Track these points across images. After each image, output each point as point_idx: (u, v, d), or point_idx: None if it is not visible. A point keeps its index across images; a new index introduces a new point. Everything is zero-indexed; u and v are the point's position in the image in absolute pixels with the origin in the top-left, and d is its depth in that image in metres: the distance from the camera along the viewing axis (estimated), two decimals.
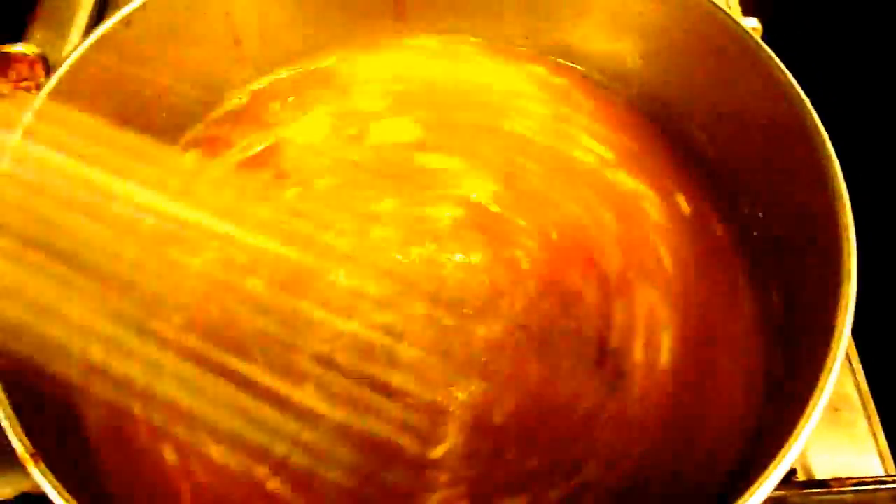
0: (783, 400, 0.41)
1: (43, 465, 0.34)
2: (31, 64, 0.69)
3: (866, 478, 0.49)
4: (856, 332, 0.56)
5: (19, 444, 0.35)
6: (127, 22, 0.48)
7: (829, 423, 0.54)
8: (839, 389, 0.55)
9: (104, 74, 0.48)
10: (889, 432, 0.53)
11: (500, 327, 0.47)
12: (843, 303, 0.37)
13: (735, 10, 0.74)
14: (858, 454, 0.53)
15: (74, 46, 0.49)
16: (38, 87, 0.68)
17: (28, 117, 0.48)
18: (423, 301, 0.48)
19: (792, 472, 0.51)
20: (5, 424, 0.35)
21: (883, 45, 0.77)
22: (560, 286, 0.49)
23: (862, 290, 0.57)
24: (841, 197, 0.39)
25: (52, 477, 0.34)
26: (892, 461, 0.52)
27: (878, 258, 0.63)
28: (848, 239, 0.38)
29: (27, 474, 0.45)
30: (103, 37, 0.48)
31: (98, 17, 0.75)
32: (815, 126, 0.41)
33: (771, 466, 0.34)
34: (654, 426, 0.45)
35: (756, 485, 0.34)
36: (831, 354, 0.36)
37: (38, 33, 0.73)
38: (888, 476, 0.50)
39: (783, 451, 0.34)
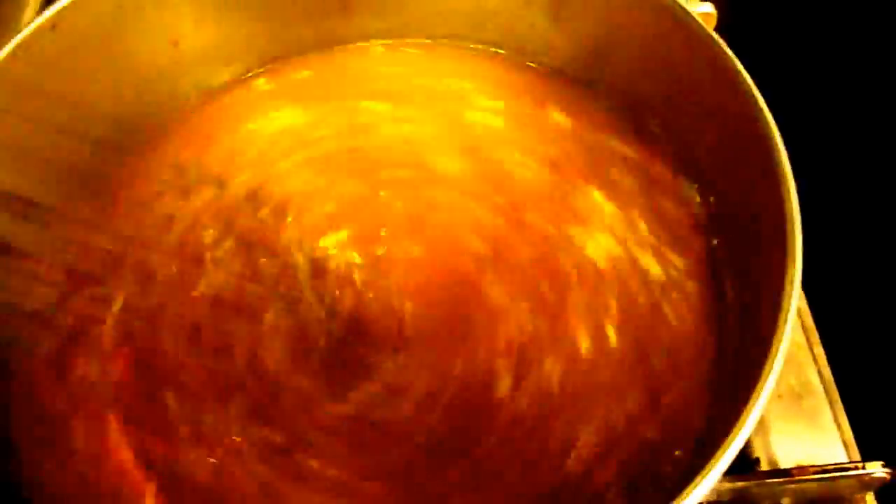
0: (734, 386, 0.40)
1: None
2: None
3: (828, 465, 0.48)
4: (818, 320, 0.56)
5: None
6: (53, 25, 0.46)
7: (793, 412, 0.53)
8: (802, 377, 0.55)
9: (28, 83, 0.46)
10: (853, 419, 0.53)
11: None
12: (788, 285, 0.36)
13: None
14: (823, 442, 0.52)
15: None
16: None
17: None
18: None
19: (755, 461, 0.51)
20: None
21: (840, 30, 0.77)
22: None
23: (824, 279, 0.58)
24: (786, 181, 0.39)
25: None
26: (856, 449, 0.52)
27: (841, 249, 0.63)
28: (793, 222, 0.38)
29: None
30: (25, 41, 0.45)
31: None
32: (763, 113, 0.41)
33: (716, 455, 0.33)
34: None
35: (701, 474, 0.33)
36: (779, 330, 0.35)
37: None
38: (850, 462, 0.50)
39: (728, 440, 0.33)
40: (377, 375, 0.46)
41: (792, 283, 0.36)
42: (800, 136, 0.45)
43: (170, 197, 0.52)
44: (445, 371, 0.45)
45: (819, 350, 0.55)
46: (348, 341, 0.47)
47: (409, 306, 0.48)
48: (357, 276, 0.49)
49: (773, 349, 0.35)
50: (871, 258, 0.65)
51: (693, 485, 0.33)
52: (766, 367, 0.35)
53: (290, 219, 0.51)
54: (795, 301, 0.36)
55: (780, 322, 0.35)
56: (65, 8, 0.46)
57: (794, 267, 0.37)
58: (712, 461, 0.33)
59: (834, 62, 0.76)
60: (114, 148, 0.53)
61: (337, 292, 0.48)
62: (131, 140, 0.54)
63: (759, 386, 0.34)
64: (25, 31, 0.45)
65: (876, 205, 0.68)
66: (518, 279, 0.49)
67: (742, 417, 0.34)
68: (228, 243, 0.50)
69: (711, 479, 0.33)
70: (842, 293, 0.61)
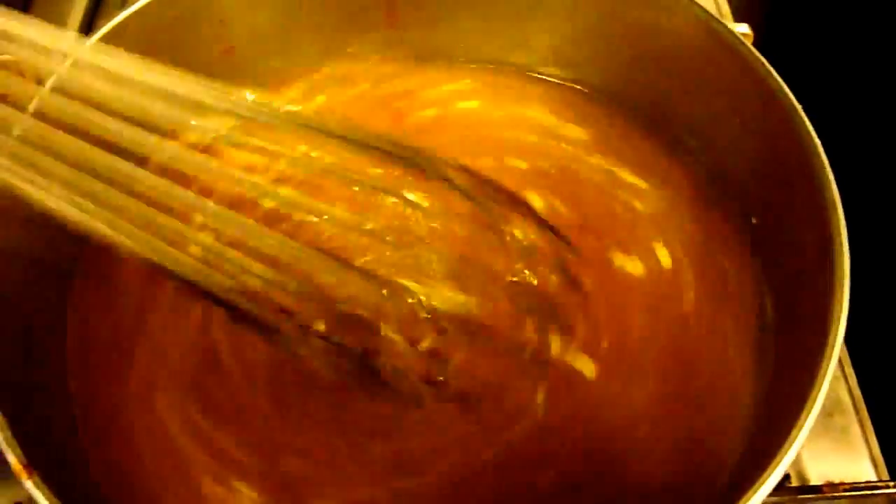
0: (776, 408, 0.41)
1: (37, 478, 0.34)
2: (20, 72, 0.69)
3: (859, 483, 0.49)
4: (848, 338, 0.56)
5: (12, 456, 0.34)
6: (117, 33, 0.48)
7: (823, 429, 0.54)
8: (832, 395, 0.55)
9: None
10: (882, 437, 0.53)
11: None
12: (836, 310, 0.37)
13: (727, 17, 0.74)
14: (852, 459, 0.53)
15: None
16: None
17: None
18: None
19: (786, 477, 0.52)
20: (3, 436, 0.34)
21: (874, 50, 0.77)
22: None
23: (855, 296, 0.58)
24: (834, 205, 0.39)
25: (45, 489, 0.33)
26: (884, 466, 0.52)
27: (869, 264, 0.63)
28: (841, 245, 0.38)
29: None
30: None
31: (89, 25, 0.75)
32: (809, 133, 0.41)
33: (762, 478, 0.34)
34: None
35: (748, 495, 0.34)
36: (824, 362, 0.36)
37: None
38: (881, 481, 0.51)
39: (774, 461, 0.34)
40: None
41: (839, 320, 0.37)
42: (839, 157, 0.46)
43: None
44: None
45: (849, 369, 0.56)
46: None
47: None
48: None
49: (818, 381, 0.35)
50: None
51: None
52: (812, 395, 0.35)
53: None
54: (842, 333, 0.37)
55: (827, 350, 0.36)
56: (128, 17, 0.48)
57: (842, 303, 0.37)
58: (755, 485, 0.34)
59: (868, 79, 0.76)
60: None
61: None
62: None
63: (804, 412, 0.35)
64: (92, 38, 0.47)
65: None
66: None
67: (787, 442, 0.35)
68: None
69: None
70: (873, 311, 0.61)
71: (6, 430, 0.35)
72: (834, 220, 0.39)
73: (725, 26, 0.48)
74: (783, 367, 0.43)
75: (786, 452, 0.35)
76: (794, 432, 0.35)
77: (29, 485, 0.34)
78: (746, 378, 0.46)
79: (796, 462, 0.52)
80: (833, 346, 0.36)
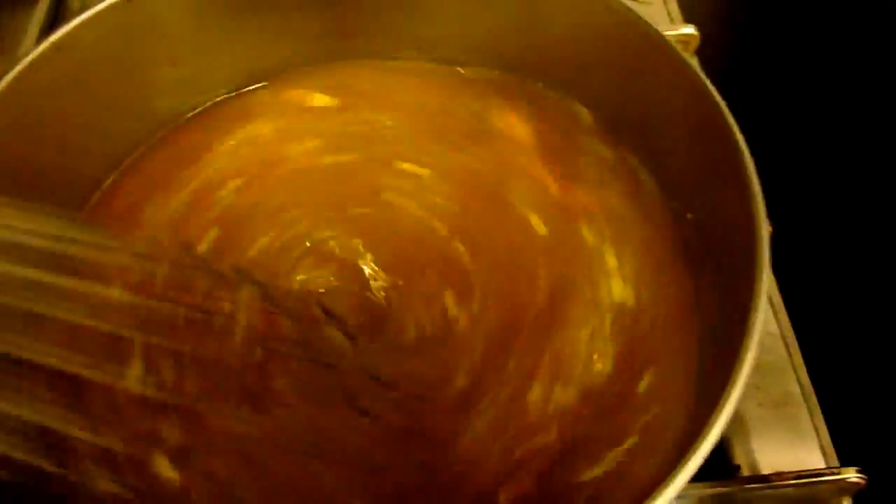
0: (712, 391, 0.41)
1: None
2: None
3: (805, 471, 0.50)
4: (798, 330, 0.58)
5: None
6: (58, 47, 0.48)
7: (774, 421, 0.55)
8: (782, 388, 0.56)
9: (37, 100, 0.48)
10: (831, 427, 0.54)
11: None
12: (757, 293, 0.38)
13: (676, 17, 0.75)
14: (802, 450, 0.53)
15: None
16: None
17: None
18: None
19: (737, 467, 0.52)
20: None
21: (818, 52, 0.79)
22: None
23: (803, 291, 0.60)
24: (755, 194, 0.41)
25: None
26: (834, 455, 0.53)
27: (822, 261, 0.65)
28: (761, 237, 0.39)
29: None
30: (33, 62, 0.47)
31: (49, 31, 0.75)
32: (730, 126, 0.43)
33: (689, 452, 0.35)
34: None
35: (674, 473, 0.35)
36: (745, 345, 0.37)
37: None
38: (827, 468, 0.51)
39: (701, 436, 0.35)
40: None
41: (760, 284, 0.38)
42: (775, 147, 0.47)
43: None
44: None
45: (799, 360, 0.57)
46: None
47: None
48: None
49: (745, 348, 0.37)
50: (849, 269, 0.66)
51: (666, 482, 0.34)
52: (738, 366, 0.37)
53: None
54: (762, 310, 0.38)
55: (750, 324, 0.37)
56: (70, 30, 0.48)
57: (763, 267, 0.38)
58: (684, 460, 0.35)
59: (809, 80, 0.78)
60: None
61: None
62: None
63: (731, 382, 0.36)
64: (33, 53, 0.47)
65: (852, 216, 0.69)
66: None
67: (714, 414, 0.36)
68: None
69: (682, 479, 0.34)
70: (821, 305, 0.63)
71: None
72: (756, 210, 0.40)
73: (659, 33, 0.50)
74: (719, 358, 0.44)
75: (711, 427, 0.35)
76: (721, 401, 0.36)
77: None
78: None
79: (747, 454, 0.53)
80: (751, 337, 0.37)
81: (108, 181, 0.55)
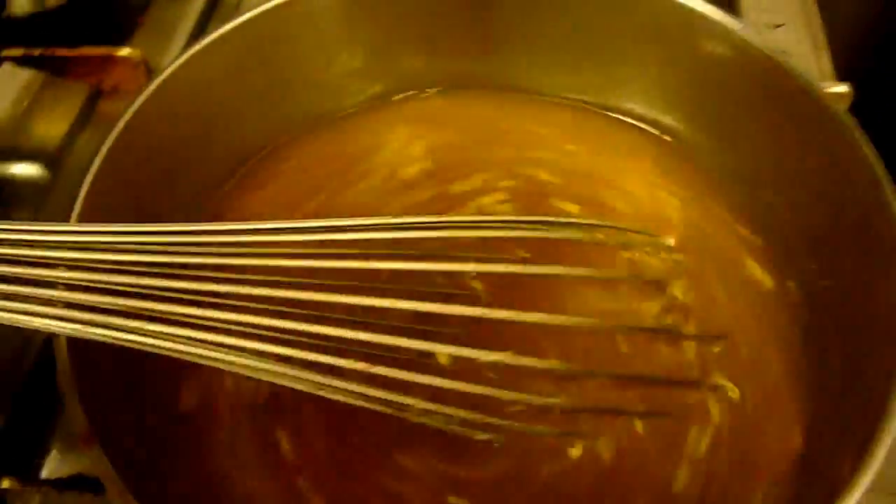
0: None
1: (98, 447, 0.36)
2: (134, 67, 0.73)
3: None
4: None
5: (81, 422, 0.36)
6: (225, 38, 0.51)
7: None
8: None
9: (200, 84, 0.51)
10: None
11: None
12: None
13: (827, 76, 0.72)
14: None
15: (180, 51, 0.52)
16: (138, 90, 0.73)
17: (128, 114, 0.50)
18: None
19: None
20: (68, 399, 0.36)
21: None
22: None
23: None
24: None
25: (106, 461, 0.35)
26: None
27: None
28: None
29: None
30: (210, 44, 0.50)
31: (202, 26, 0.79)
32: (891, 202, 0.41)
33: None
34: None
35: None
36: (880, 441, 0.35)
37: (142, 38, 0.78)
38: None
39: None
40: None
41: None
42: None
43: None
44: None
45: None
46: None
47: None
48: None
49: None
50: None
51: None
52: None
53: None
54: None
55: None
56: (237, 25, 0.51)
57: None
58: None
59: None
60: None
61: None
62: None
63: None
64: (203, 42, 0.50)
65: None
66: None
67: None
68: None
69: None
70: None
71: (74, 394, 0.37)
72: None
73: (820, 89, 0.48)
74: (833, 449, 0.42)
75: None
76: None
77: (91, 454, 0.36)
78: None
79: None
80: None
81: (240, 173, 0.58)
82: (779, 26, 0.72)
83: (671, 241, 0.49)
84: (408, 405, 0.36)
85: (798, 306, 0.51)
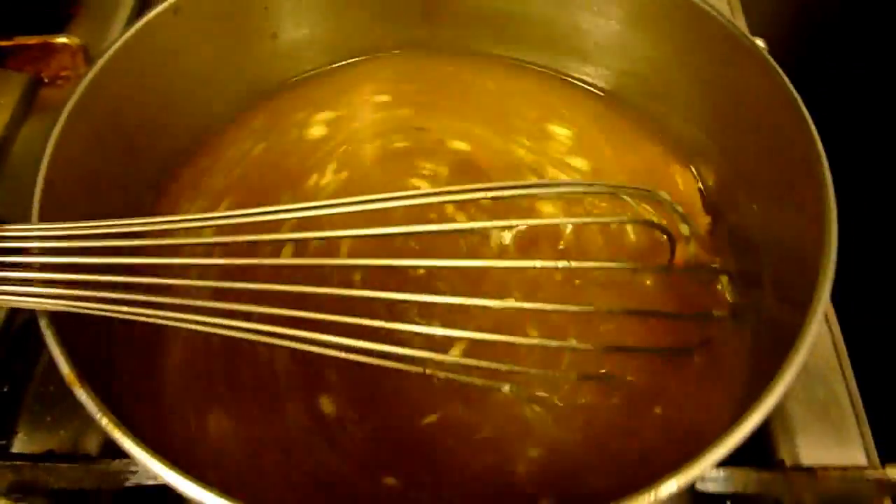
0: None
1: (87, 387, 0.38)
2: (73, 54, 0.73)
3: (850, 466, 0.51)
4: (847, 340, 0.60)
5: (66, 368, 0.38)
6: (175, 10, 0.52)
7: (820, 421, 0.56)
8: (830, 390, 0.58)
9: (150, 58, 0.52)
10: (875, 429, 0.56)
11: None
12: (823, 275, 0.41)
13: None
14: (846, 449, 0.55)
15: (119, 35, 0.53)
16: (79, 78, 0.73)
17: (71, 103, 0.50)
18: None
19: (780, 462, 0.54)
20: (56, 354, 0.38)
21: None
22: None
23: (854, 299, 0.61)
24: (826, 184, 0.43)
25: (95, 398, 0.38)
26: (877, 458, 0.54)
27: (874, 265, 0.66)
28: (831, 222, 0.42)
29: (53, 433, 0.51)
30: (148, 24, 0.51)
31: (139, 12, 0.79)
32: (805, 119, 0.46)
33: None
34: None
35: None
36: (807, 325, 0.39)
37: (80, 25, 0.78)
38: (869, 466, 0.53)
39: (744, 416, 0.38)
40: None
41: (827, 270, 0.41)
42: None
43: None
44: None
45: (847, 366, 0.59)
46: None
47: None
48: None
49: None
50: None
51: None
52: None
53: None
54: (827, 294, 0.40)
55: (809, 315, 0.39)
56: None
57: (831, 251, 0.41)
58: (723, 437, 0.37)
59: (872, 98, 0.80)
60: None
61: None
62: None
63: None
64: (151, 14, 0.51)
65: None
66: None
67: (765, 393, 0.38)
68: None
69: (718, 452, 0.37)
70: (871, 314, 0.64)
71: (62, 350, 0.39)
72: (827, 199, 0.42)
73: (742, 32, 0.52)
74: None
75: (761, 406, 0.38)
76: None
77: (80, 392, 0.38)
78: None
79: (792, 450, 0.55)
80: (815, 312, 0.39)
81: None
82: None
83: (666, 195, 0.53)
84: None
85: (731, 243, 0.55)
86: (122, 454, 0.48)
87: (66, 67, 0.74)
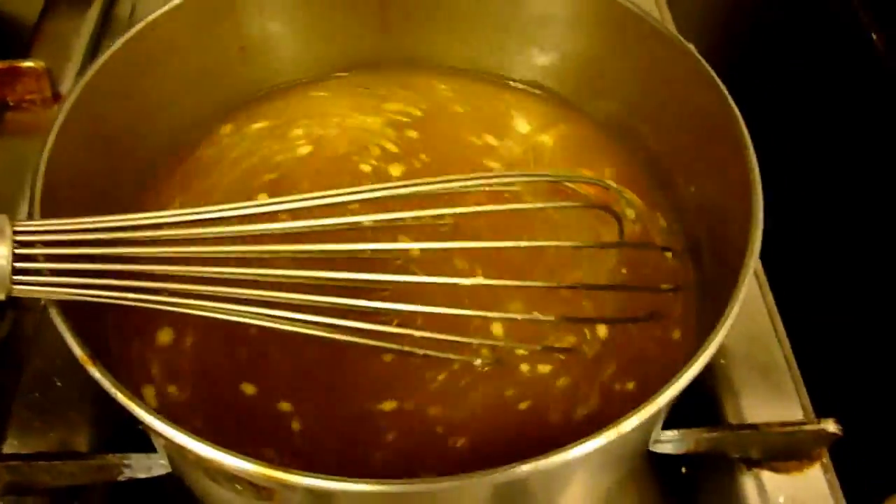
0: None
1: (100, 366, 0.41)
2: (38, 78, 0.76)
3: (790, 421, 0.57)
4: (782, 308, 0.65)
5: (79, 350, 0.41)
6: (153, 26, 0.55)
7: (761, 383, 0.61)
8: (768, 356, 0.63)
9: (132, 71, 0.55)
10: (810, 390, 0.61)
11: None
12: (750, 249, 0.46)
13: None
14: (785, 407, 0.60)
15: (80, 66, 0.56)
16: (44, 101, 0.76)
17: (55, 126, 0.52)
18: None
19: (727, 420, 0.59)
20: (67, 337, 0.41)
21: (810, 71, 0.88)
22: None
23: (788, 271, 0.67)
24: (752, 168, 0.49)
25: (109, 375, 0.41)
26: (813, 414, 0.60)
27: (800, 242, 0.73)
28: (756, 202, 0.47)
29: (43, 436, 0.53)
30: (131, 39, 0.55)
31: (98, 35, 0.82)
32: (734, 113, 0.51)
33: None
34: None
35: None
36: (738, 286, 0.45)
37: (40, 53, 0.80)
38: (807, 420, 0.58)
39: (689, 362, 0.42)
40: None
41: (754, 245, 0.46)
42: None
43: None
44: None
45: (782, 331, 0.64)
46: None
47: None
48: None
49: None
50: (831, 253, 0.74)
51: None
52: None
53: None
54: (752, 266, 0.45)
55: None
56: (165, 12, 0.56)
57: (756, 232, 0.46)
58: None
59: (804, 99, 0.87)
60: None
61: None
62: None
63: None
64: (133, 29, 0.55)
65: (838, 205, 0.78)
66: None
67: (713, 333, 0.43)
68: None
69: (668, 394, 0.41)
70: (803, 282, 0.70)
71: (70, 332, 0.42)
72: (753, 183, 0.48)
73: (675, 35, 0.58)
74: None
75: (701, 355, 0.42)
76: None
77: (93, 371, 0.41)
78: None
79: (737, 411, 0.59)
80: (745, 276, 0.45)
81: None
82: None
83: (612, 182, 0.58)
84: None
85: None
86: (114, 450, 0.52)
87: (31, 91, 0.76)
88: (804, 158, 0.81)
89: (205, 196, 0.61)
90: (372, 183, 0.60)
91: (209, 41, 0.61)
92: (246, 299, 0.44)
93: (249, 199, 0.58)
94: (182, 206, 0.58)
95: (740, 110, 0.53)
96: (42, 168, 0.48)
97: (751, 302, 0.64)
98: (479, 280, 0.48)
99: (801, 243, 0.73)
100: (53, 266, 0.39)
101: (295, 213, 0.47)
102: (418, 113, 0.67)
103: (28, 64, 0.75)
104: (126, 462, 0.52)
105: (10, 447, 0.55)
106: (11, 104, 0.77)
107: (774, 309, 0.65)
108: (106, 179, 0.55)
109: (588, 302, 0.56)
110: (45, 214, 0.46)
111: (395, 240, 0.53)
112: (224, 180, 0.62)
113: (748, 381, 0.61)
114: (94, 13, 0.85)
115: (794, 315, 0.65)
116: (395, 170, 0.64)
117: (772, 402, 0.60)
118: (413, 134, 0.66)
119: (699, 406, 0.59)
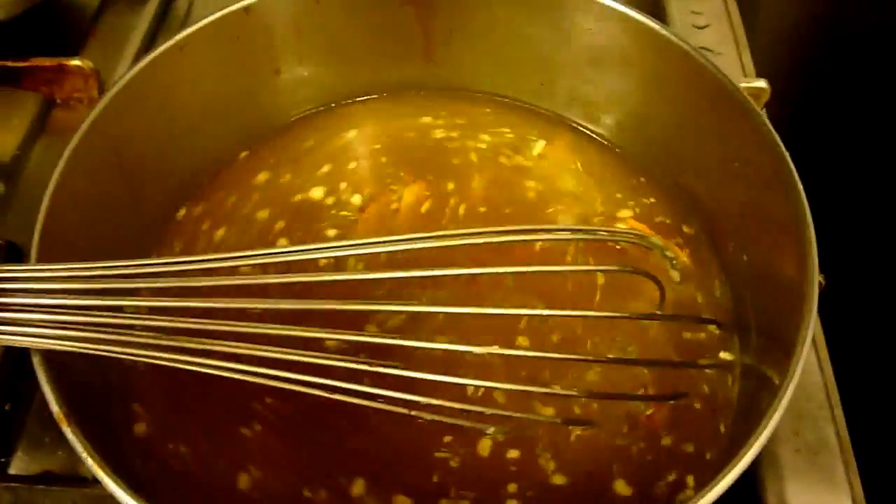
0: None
1: (74, 426, 0.39)
2: (86, 78, 0.75)
3: None
4: (839, 380, 0.60)
5: (56, 407, 0.40)
6: (181, 46, 0.53)
7: (808, 466, 0.56)
8: (819, 435, 0.58)
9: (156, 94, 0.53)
10: (864, 478, 0.56)
11: None
12: (802, 334, 0.42)
13: (749, 69, 0.78)
14: (833, 497, 0.55)
15: (129, 66, 0.54)
16: (90, 100, 0.75)
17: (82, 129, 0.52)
18: None
19: None
20: (47, 391, 0.39)
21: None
22: None
23: (847, 340, 0.62)
24: (809, 241, 0.44)
25: (80, 436, 0.39)
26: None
27: (867, 309, 0.67)
28: (812, 274, 0.43)
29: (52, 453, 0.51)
30: (157, 58, 0.52)
31: (152, 38, 0.81)
32: (793, 177, 0.46)
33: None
34: None
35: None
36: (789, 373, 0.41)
37: (94, 49, 0.79)
38: None
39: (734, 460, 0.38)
40: None
41: (806, 330, 0.42)
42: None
43: None
44: None
45: (838, 410, 0.59)
46: None
47: None
48: None
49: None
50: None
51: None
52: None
53: None
54: (807, 344, 0.41)
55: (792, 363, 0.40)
56: (192, 32, 0.53)
57: (810, 315, 0.42)
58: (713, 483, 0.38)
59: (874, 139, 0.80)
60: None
61: None
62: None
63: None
64: (159, 49, 0.52)
65: None
66: None
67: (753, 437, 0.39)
68: None
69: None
70: (861, 356, 0.64)
71: (52, 386, 0.40)
72: (810, 257, 0.43)
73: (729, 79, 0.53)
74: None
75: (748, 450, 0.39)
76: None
77: (67, 431, 0.39)
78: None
79: (780, 495, 0.55)
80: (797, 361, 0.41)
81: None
82: (703, 27, 0.78)
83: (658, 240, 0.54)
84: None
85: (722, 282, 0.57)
86: None
87: (78, 90, 0.76)
88: (863, 213, 0.74)
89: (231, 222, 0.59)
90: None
91: (242, 66, 0.58)
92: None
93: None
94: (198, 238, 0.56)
95: (805, 164, 0.48)
96: (43, 213, 0.47)
97: (805, 374, 0.58)
98: (494, 349, 0.45)
99: (864, 312, 0.67)
100: (36, 317, 0.38)
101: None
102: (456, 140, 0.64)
103: (76, 63, 0.74)
104: None
105: (18, 461, 0.55)
106: (59, 101, 0.76)
107: (833, 382, 0.60)
108: (120, 212, 0.53)
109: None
110: (50, 251, 0.44)
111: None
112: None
113: (795, 466, 0.56)
114: (151, 8, 0.83)
115: (849, 389, 0.59)
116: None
117: (818, 488, 0.55)
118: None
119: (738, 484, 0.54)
